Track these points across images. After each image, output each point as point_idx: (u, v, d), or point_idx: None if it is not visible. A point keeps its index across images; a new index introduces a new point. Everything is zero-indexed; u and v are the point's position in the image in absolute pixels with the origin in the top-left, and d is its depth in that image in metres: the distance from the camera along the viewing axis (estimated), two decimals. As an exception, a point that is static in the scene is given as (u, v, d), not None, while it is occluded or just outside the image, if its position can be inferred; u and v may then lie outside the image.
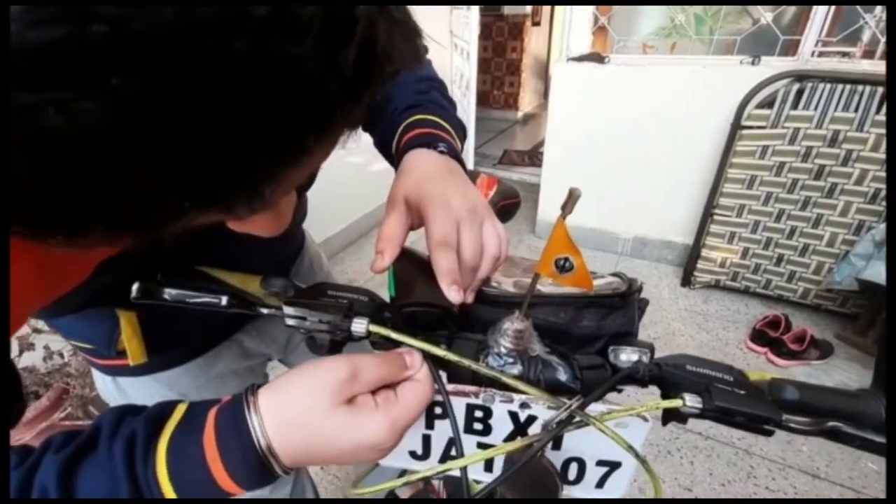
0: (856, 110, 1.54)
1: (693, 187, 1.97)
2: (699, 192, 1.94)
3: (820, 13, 1.64)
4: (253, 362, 0.64)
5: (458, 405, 0.35)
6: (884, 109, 1.51)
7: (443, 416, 0.36)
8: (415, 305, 0.37)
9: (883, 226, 1.55)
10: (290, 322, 0.35)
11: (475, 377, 0.34)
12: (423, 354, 0.34)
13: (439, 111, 0.50)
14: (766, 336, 1.65)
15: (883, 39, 1.63)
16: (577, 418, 0.32)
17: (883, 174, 1.56)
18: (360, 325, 0.34)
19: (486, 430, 0.36)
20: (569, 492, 0.38)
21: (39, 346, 1.08)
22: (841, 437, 0.29)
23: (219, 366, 0.58)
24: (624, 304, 0.41)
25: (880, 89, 1.50)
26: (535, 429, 0.35)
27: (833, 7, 1.64)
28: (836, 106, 1.55)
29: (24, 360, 1.07)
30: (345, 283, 0.42)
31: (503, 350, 0.35)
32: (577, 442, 0.36)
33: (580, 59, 2.01)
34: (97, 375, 0.58)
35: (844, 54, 1.71)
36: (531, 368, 0.35)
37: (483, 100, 4.36)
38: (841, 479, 1.24)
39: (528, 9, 4.25)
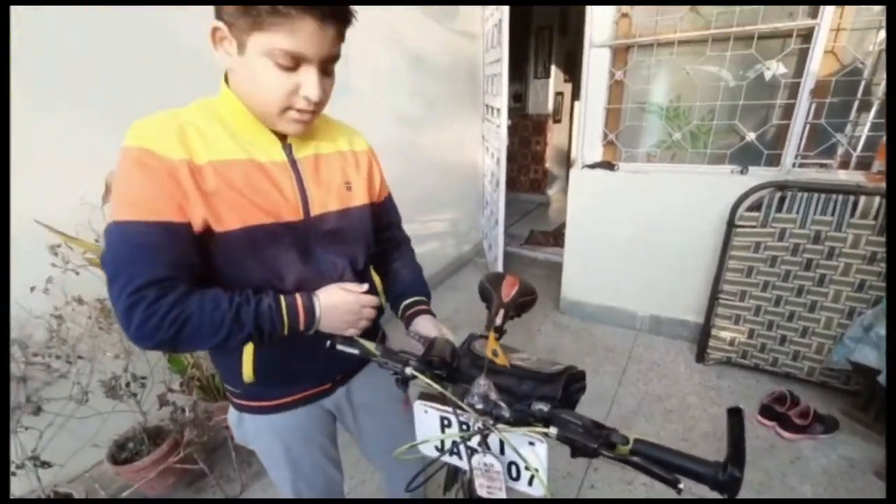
0: (833, 214, 1.82)
1: (700, 274, 2.24)
2: (705, 278, 2.20)
3: (797, 132, 1.99)
4: (326, 434, 0.95)
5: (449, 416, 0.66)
6: (859, 212, 1.79)
7: (448, 426, 0.67)
8: (430, 356, 0.70)
9: (870, 311, 1.75)
10: (383, 365, 0.71)
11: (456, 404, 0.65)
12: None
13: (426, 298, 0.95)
14: (774, 411, 1.82)
15: (855, 153, 1.94)
16: (494, 432, 0.61)
17: (866, 267, 1.80)
18: (408, 370, 0.69)
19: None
20: (512, 486, 0.65)
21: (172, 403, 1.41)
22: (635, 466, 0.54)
23: (305, 430, 0.89)
24: (552, 380, 0.69)
25: (852, 197, 1.78)
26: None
27: (808, 126, 1.98)
28: (815, 210, 1.84)
29: (163, 413, 1.39)
30: (402, 349, 0.76)
31: (476, 393, 0.64)
32: (511, 452, 0.62)
33: (593, 166, 2.40)
34: (232, 410, 0.90)
35: (822, 165, 2.02)
36: (488, 406, 0.64)
37: (511, 185, 4.85)
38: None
39: (550, 108, 4.84)
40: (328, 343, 0.73)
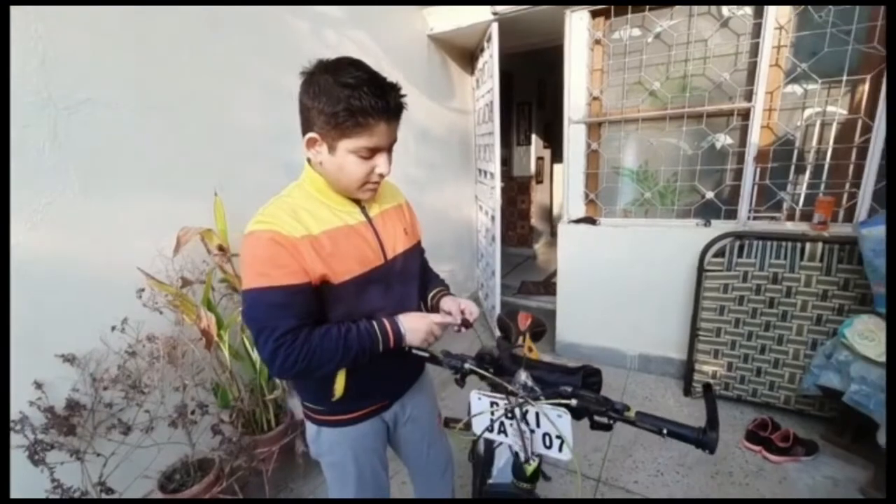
0: (785, 258, 2.12)
1: (680, 314, 2.49)
2: (685, 317, 2.45)
3: (747, 191, 2.35)
4: (382, 443, 1.12)
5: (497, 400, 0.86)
6: (807, 256, 2.10)
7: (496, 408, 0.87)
8: (482, 354, 0.91)
9: (829, 341, 2.01)
10: (447, 364, 0.92)
11: (505, 390, 0.85)
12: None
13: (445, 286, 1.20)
14: (758, 436, 2.00)
15: (798, 207, 2.30)
16: (531, 404, 0.81)
17: (820, 303, 2.08)
18: (467, 366, 0.90)
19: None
20: (546, 453, 0.84)
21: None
22: (671, 434, 0.76)
23: (369, 439, 1.06)
24: (573, 372, 0.91)
25: (800, 244, 2.10)
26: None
27: (756, 186, 2.35)
28: (770, 255, 2.15)
29: (206, 446, 1.51)
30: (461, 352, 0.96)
31: (517, 381, 0.85)
32: (545, 424, 0.82)
33: (578, 221, 2.72)
34: (309, 426, 1.07)
35: (772, 218, 2.37)
36: (525, 390, 0.84)
37: (501, 239, 5.17)
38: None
39: (533, 171, 5.31)
40: (407, 348, 0.95)
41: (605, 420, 0.79)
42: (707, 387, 0.83)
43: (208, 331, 1.39)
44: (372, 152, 0.86)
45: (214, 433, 1.42)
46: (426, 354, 0.95)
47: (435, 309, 1.12)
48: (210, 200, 1.59)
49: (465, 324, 1.03)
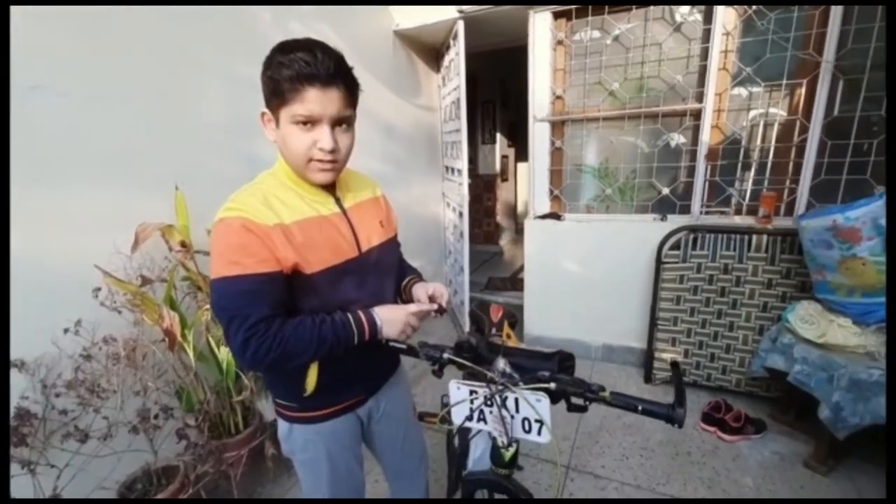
0: (734, 250, 2.27)
1: (640, 305, 2.61)
2: (645, 308, 2.57)
3: (699, 187, 2.49)
4: (357, 439, 1.11)
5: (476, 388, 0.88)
6: (753, 247, 2.25)
7: (475, 397, 0.89)
8: (460, 343, 0.93)
9: (774, 327, 2.16)
10: (426, 355, 0.93)
11: (484, 378, 0.87)
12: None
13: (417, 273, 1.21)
14: (713, 417, 2.13)
15: (745, 203, 2.46)
16: (510, 390, 0.84)
17: (766, 291, 2.24)
18: (445, 356, 0.92)
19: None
20: (525, 437, 0.87)
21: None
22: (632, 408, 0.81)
23: (344, 436, 1.05)
24: (549, 358, 0.94)
25: (747, 236, 2.25)
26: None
27: (707, 183, 2.49)
28: (721, 247, 2.29)
29: (169, 453, 1.44)
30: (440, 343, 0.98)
31: (496, 368, 0.87)
32: (525, 410, 0.85)
33: (544, 217, 2.79)
34: (281, 423, 1.04)
35: (722, 213, 2.52)
36: (503, 377, 0.87)
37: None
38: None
39: (498, 169, 5.40)
40: (384, 340, 0.95)
41: (581, 402, 0.82)
42: (674, 364, 0.88)
43: (171, 331, 1.33)
44: (309, 122, 0.82)
45: (179, 438, 1.36)
46: (403, 346, 0.96)
47: (409, 296, 1.13)
48: (171, 195, 1.52)
49: (441, 310, 1.04)
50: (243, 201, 0.83)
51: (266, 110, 0.85)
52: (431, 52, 3.49)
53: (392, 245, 1.10)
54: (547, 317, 2.94)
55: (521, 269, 3.27)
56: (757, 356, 2.17)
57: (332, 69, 0.80)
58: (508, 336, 0.93)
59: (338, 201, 0.97)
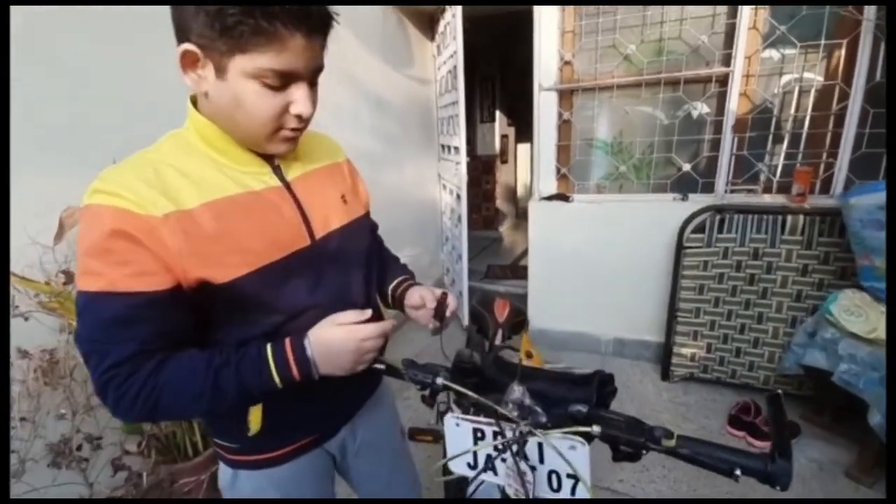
0: (766, 232, 2.01)
1: (657, 295, 2.36)
2: (662, 298, 2.33)
3: (725, 162, 2.22)
4: (329, 478, 0.87)
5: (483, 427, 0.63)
6: (787, 229, 1.99)
7: (482, 438, 0.64)
8: (461, 363, 0.69)
9: (810, 318, 1.92)
10: (412, 378, 0.69)
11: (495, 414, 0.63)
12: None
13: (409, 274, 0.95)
14: (742, 420, 1.90)
15: (775, 179, 2.20)
16: (535, 435, 0.59)
17: (800, 279, 1.99)
18: (439, 381, 0.67)
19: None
20: (553, 496, 0.62)
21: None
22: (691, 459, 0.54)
23: (307, 480, 0.80)
24: (585, 382, 0.70)
25: (780, 217, 1.99)
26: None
27: (733, 157, 2.23)
28: (751, 229, 2.04)
29: (115, 482, 1.20)
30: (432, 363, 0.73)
31: (511, 400, 0.63)
32: (551, 460, 0.61)
33: (550, 198, 2.52)
34: (223, 468, 0.79)
35: (750, 190, 2.26)
36: (524, 411, 0.63)
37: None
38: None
39: (497, 149, 5.09)
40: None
41: (633, 450, 0.58)
42: (775, 398, 0.63)
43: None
44: (284, 79, 0.58)
45: (115, 469, 1.11)
46: (381, 367, 0.70)
47: (400, 305, 0.87)
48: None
49: (439, 314, 0.79)
50: (119, 179, 0.56)
51: (193, 48, 0.55)
52: (425, 17, 3.17)
53: (360, 227, 0.82)
54: (552, 308, 2.69)
55: (523, 255, 3.02)
56: (790, 351, 1.93)
57: (324, 14, 0.58)
58: (529, 355, 0.67)
59: (277, 171, 0.70)
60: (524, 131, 5.11)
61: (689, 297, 2.19)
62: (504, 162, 5.38)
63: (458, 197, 2.85)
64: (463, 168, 2.72)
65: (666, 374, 2.31)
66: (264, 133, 0.62)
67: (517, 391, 0.63)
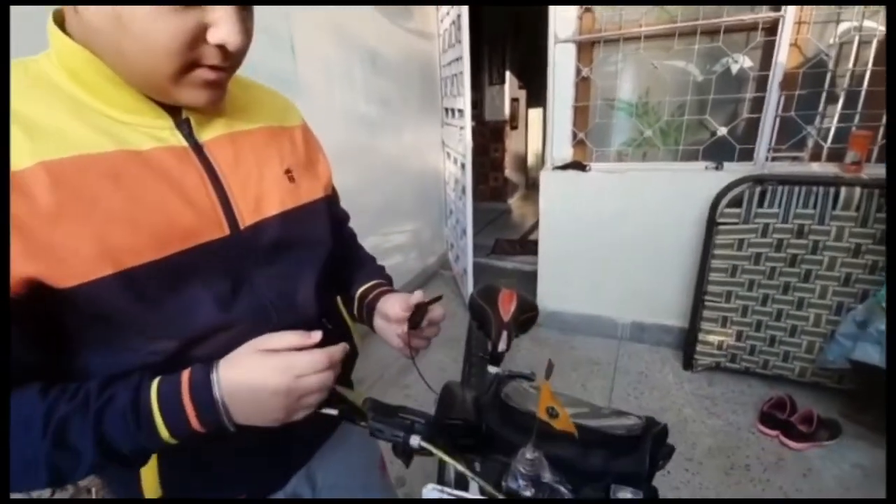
0: (815, 207, 1.75)
1: (683, 276, 2.13)
2: (689, 279, 2.09)
3: (768, 125, 1.93)
4: None
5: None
6: (840, 204, 1.72)
7: None
8: (450, 419, 0.47)
9: (861, 306, 1.68)
10: (376, 434, 0.48)
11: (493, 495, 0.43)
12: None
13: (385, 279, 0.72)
14: (776, 418, 1.70)
15: (826, 145, 1.91)
16: None
17: (851, 260, 1.74)
18: (414, 441, 0.46)
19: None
20: None
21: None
22: None
23: None
24: (632, 445, 0.48)
25: (832, 189, 1.72)
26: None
27: (778, 119, 1.93)
28: (797, 203, 1.77)
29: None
30: (411, 407, 0.52)
31: (521, 472, 0.42)
32: None
33: (564, 167, 2.26)
34: None
35: (794, 158, 1.98)
36: (542, 492, 0.42)
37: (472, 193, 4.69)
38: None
39: (507, 114, 4.76)
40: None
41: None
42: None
43: None
44: None
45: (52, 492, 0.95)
46: (333, 412, 0.49)
47: (370, 316, 0.65)
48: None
49: (413, 322, 0.58)
50: None
51: None
52: (426, -39, 2.82)
53: (313, 215, 0.59)
54: (564, 288, 2.47)
55: (533, 229, 2.78)
56: (835, 342, 1.70)
57: None
58: (552, 414, 0.43)
59: (183, 126, 0.47)
60: (536, 95, 4.75)
61: (719, 280, 1.95)
62: (514, 128, 5.04)
63: (463, 166, 2.60)
64: (468, 134, 2.46)
65: (689, 363, 2.10)
66: (167, 72, 0.40)
67: (531, 458, 0.42)
